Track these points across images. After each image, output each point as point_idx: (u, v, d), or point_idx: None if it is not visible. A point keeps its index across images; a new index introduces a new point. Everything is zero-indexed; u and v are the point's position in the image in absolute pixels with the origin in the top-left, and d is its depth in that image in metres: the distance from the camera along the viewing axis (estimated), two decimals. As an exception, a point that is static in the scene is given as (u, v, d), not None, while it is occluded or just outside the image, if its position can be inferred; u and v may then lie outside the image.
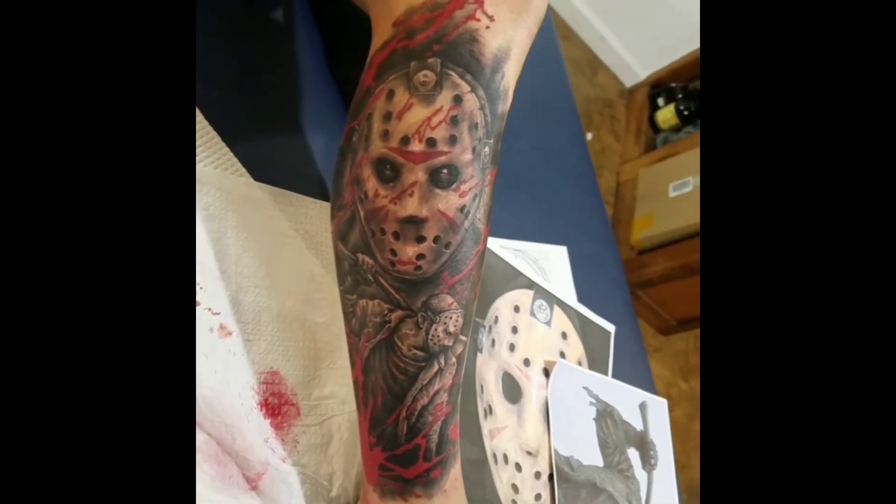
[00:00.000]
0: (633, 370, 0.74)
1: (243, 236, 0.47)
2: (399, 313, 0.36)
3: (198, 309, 0.43)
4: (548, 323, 0.67)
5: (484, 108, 0.33)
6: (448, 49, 0.32)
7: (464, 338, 0.38)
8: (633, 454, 0.69)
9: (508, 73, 0.34)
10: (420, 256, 0.34)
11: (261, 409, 0.44)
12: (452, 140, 0.33)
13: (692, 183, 1.68)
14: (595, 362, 0.70)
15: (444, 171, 0.33)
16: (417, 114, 0.33)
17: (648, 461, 0.70)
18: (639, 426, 0.71)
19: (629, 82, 2.11)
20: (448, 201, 0.34)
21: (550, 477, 0.60)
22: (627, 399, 0.71)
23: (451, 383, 0.39)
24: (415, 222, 0.34)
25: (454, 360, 0.38)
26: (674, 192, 1.70)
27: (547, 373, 0.64)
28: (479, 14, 0.32)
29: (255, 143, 0.49)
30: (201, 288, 0.43)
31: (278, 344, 0.46)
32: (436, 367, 0.37)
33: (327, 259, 0.51)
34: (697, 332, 2.03)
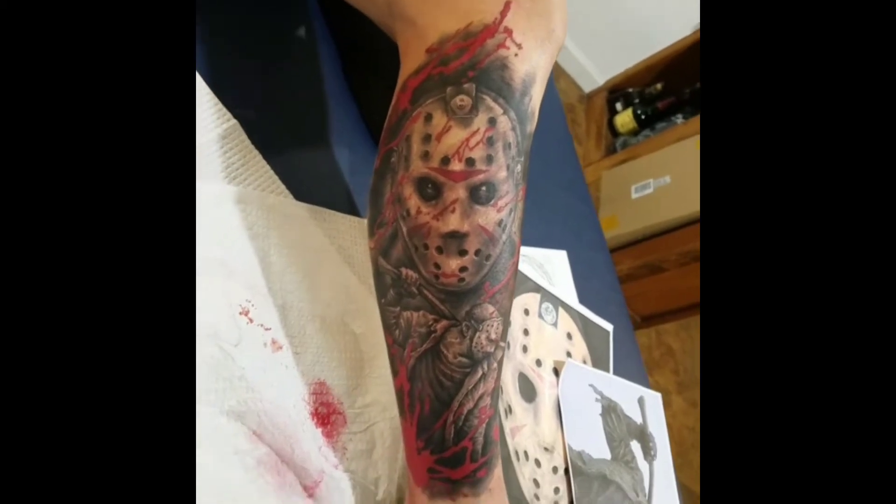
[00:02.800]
0: (629, 366, 0.78)
1: (285, 253, 0.48)
2: (444, 323, 0.38)
3: (251, 326, 0.44)
4: (554, 325, 0.70)
5: (515, 128, 0.36)
6: (482, 75, 0.35)
7: (503, 344, 0.41)
8: (635, 446, 0.73)
9: (535, 95, 0.37)
10: (463, 269, 0.36)
11: (313, 419, 0.46)
12: (489, 159, 0.35)
13: (653, 185, 1.74)
14: (597, 361, 0.74)
15: (483, 188, 0.35)
16: (456, 135, 0.35)
17: (649, 452, 0.74)
18: (638, 419, 0.75)
19: (588, 88, 2.18)
20: (487, 216, 0.36)
21: (566, 471, 0.63)
22: (627, 394, 0.75)
23: (493, 387, 0.41)
24: (457, 237, 0.36)
25: (496, 365, 0.41)
26: (636, 194, 1.77)
27: (556, 372, 0.68)
28: (508, 43, 0.35)
29: (290, 161, 0.51)
30: (252, 305, 0.45)
31: (324, 355, 0.48)
32: (480, 373, 0.40)
33: (360, 271, 0.53)
34: (659, 327, 2.10)
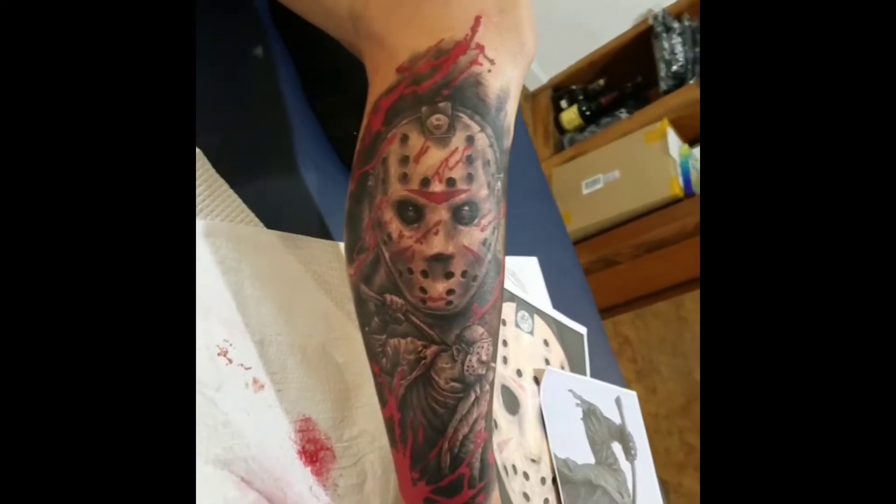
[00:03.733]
0: (604, 366, 0.78)
1: (258, 285, 0.46)
2: (434, 348, 0.37)
3: (231, 367, 0.42)
4: (531, 332, 0.69)
5: (493, 145, 0.35)
6: (456, 93, 0.34)
7: (494, 364, 0.40)
8: (616, 447, 0.73)
9: (510, 110, 0.36)
10: (450, 292, 0.36)
11: (301, 458, 0.44)
12: (470, 178, 0.34)
13: (603, 180, 1.76)
14: (574, 365, 0.74)
15: (466, 208, 0.35)
16: (434, 156, 0.34)
17: (630, 452, 0.74)
18: (617, 420, 0.75)
19: (532, 86, 2.19)
20: (472, 236, 0.35)
21: (553, 480, 0.63)
22: (605, 395, 0.75)
23: (486, 410, 0.40)
24: (442, 259, 0.35)
25: (488, 386, 0.40)
26: (586, 190, 1.79)
27: (536, 381, 0.67)
28: (481, 59, 0.34)
29: (257, 188, 0.49)
30: (231, 345, 0.42)
31: (306, 389, 0.46)
32: (473, 397, 0.39)
33: (337, 297, 0.51)
34: (615, 318, 2.13)
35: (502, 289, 0.39)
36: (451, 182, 0.34)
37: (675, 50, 1.80)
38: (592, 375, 0.75)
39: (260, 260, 0.47)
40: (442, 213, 0.34)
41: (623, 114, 1.93)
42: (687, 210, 1.64)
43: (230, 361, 0.42)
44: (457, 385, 0.38)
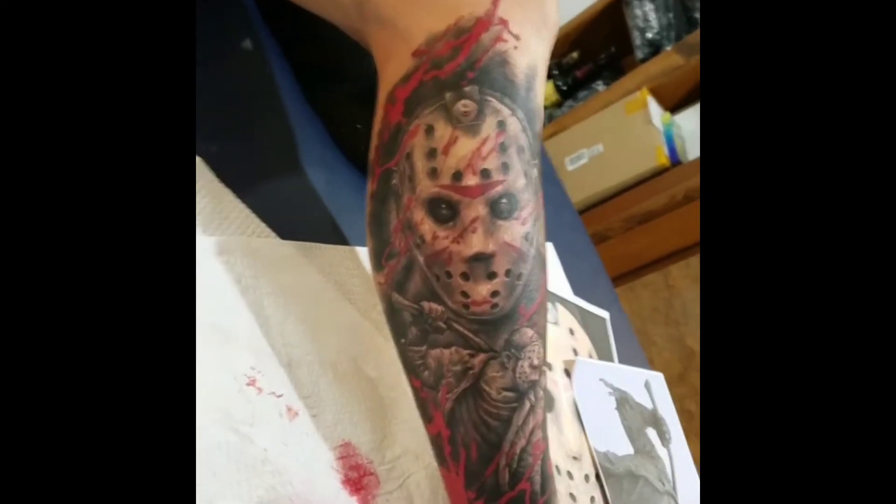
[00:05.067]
0: (628, 350, 0.75)
1: (281, 302, 0.42)
2: (482, 357, 0.34)
3: (261, 396, 0.38)
4: (555, 322, 0.66)
5: (526, 129, 0.32)
6: (482, 75, 0.31)
7: (545, 367, 0.37)
8: (651, 433, 0.70)
9: (539, 90, 0.33)
10: (494, 293, 0.33)
11: (345, 488, 0.40)
12: (505, 168, 0.32)
13: (587, 155, 1.73)
14: (601, 352, 0.70)
15: (503, 200, 0.32)
16: (465, 146, 0.31)
17: (664, 437, 0.71)
18: (649, 405, 0.72)
19: (504, 65, 2.14)
20: (512, 231, 0.32)
21: (597, 476, 0.60)
22: (634, 381, 0.72)
23: (542, 417, 0.37)
24: (483, 259, 0.32)
25: (541, 392, 0.37)
26: (571, 166, 1.75)
27: (567, 373, 0.64)
28: (505, 35, 0.31)
29: (264, 195, 0.44)
30: (259, 372, 0.38)
31: (343, 412, 0.42)
32: (528, 405, 0.36)
33: (361, 306, 0.47)
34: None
35: (547, 286, 0.36)
36: (485, 173, 0.31)
37: (649, 17, 1.76)
38: (619, 360, 0.72)
39: (278, 274, 0.42)
40: (479, 209, 0.31)
41: (600, 86, 1.89)
42: (674, 179, 1.62)
43: (260, 391, 0.38)
44: (510, 394, 0.35)
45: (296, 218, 0.45)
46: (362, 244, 0.50)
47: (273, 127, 0.48)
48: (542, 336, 0.36)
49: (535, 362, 0.35)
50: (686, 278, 2.24)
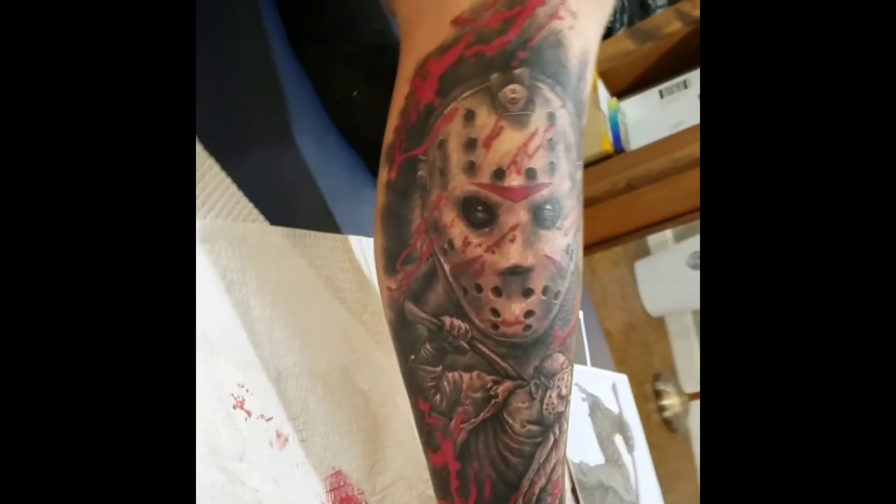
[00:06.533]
0: (598, 350, 0.72)
1: (268, 301, 0.35)
2: (508, 385, 0.30)
3: (250, 421, 0.31)
4: (535, 323, 0.61)
5: (574, 124, 0.28)
6: (534, 56, 0.27)
7: (570, 396, 0.33)
8: (618, 441, 0.67)
9: (589, 80, 0.29)
10: (529, 313, 0.29)
11: (337, 524, 0.34)
12: (552, 168, 0.28)
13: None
14: (575, 353, 0.67)
15: (548, 206, 0.28)
16: (511, 139, 0.27)
17: (629, 443, 0.69)
18: (615, 409, 0.69)
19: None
20: (553, 243, 0.28)
21: (573, 490, 0.56)
22: (602, 384, 0.69)
23: (564, 452, 0.33)
24: (520, 273, 0.28)
25: (566, 424, 0.33)
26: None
27: (545, 378, 0.59)
28: (563, 12, 0.27)
29: (250, 170, 0.36)
30: (247, 391, 0.31)
31: (333, 434, 0.36)
32: (552, 440, 0.32)
33: (352, 307, 0.41)
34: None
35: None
36: (530, 174, 0.27)
37: (604, -2, 1.73)
38: (593, 364, 0.68)
39: (266, 268, 0.35)
40: (520, 214, 0.27)
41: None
42: (617, 167, 1.61)
43: (249, 414, 0.31)
44: (535, 428, 0.31)
45: (286, 199, 0.38)
46: (352, 232, 0.43)
47: (261, 87, 0.40)
48: (572, 362, 0.32)
49: (564, 392, 0.31)
50: (607, 261, 2.28)
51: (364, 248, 0.43)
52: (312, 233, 0.39)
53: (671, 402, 2.06)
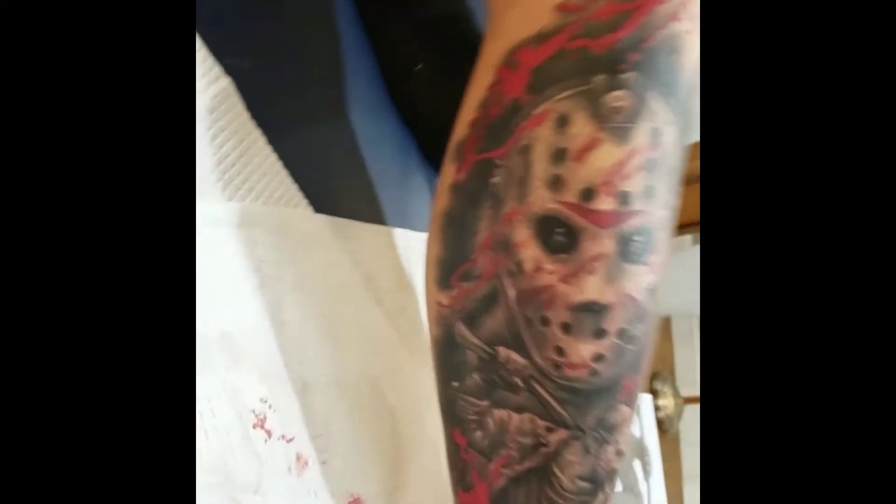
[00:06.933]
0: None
1: (302, 300, 0.30)
2: (562, 434, 0.27)
3: (270, 443, 0.27)
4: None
5: (679, 144, 0.25)
6: (648, 60, 0.23)
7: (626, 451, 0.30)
8: (636, 466, 0.64)
9: (698, 95, 0.26)
10: (598, 357, 0.25)
11: (350, 560, 0.30)
12: (649, 194, 0.24)
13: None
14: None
15: (639, 238, 0.24)
16: (608, 155, 0.23)
17: (646, 468, 0.65)
18: (637, 432, 0.66)
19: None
20: (638, 280, 0.25)
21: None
22: (626, 404, 0.65)
23: None
24: (595, 310, 0.25)
25: (616, 479, 0.29)
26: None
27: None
28: (683, 13, 0.23)
29: (299, 146, 0.32)
30: (270, 406, 0.27)
31: (353, 454, 0.32)
32: (601, 499, 0.28)
33: (390, 308, 0.36)
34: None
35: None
36: (624, 198, 0.24)
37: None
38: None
39: (305, 261, 0.31)
40: (605, 243, 0.24)
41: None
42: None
43: (269, 435, 0.27)
44: (585, 485, 0.27)
45: (332, 183, 0.34)
46: (397, 223, 0.39)
47: (319, 55, 0.35)
48: (634, 413, 0.29)
49: (622, 447, 0.28)
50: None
51: (408, 244, 0.39)
52: (356, 223, 0.35)
53: (665, 402, 2.03)
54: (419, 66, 0.41)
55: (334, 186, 0.34)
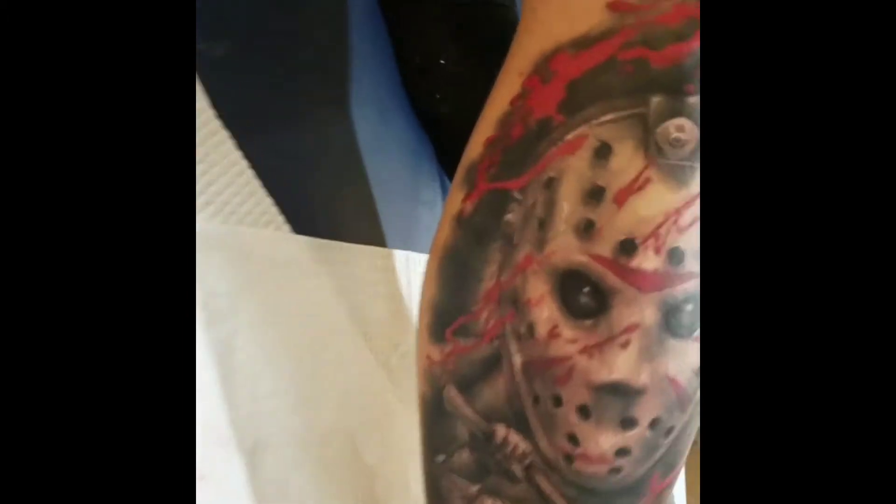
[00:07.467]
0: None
1: (262, 340, 0.26)
2: None
3: (197, 521, 0.22)
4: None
5: None
6: None
7: None
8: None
9: None
10: (622, 451, 0.22)
11: None
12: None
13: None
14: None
15: (689, 307, 0.20)
16: (659, 200, 0.20)
17: None
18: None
19: None
20: (684, 360, 0.21)
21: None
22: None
23: None
24: (624, 394, 0.21)
25: None
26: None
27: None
28: None
29: (276, 148, 0.27)
30: (201, 478, 0.22)
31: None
32: None
33: (379, 344, 0.32)
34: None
35: None
36: (675, 256, 0.20)
37: None
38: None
39: (271, 293, 0.26)
40: (645, 312, 0.20)
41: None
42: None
43: (195, 513, 0.22)
44: None
45: (322, 194, 0.29)
46: (400, 243, 0.33)
47: (315, 29, 0.30)
48: None
49: None
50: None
51: (410, 267, 0.34)
52: (345, 245, 0.30)
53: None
54: (442, 60, 0.35)
55: (321, 200, 0.29)
